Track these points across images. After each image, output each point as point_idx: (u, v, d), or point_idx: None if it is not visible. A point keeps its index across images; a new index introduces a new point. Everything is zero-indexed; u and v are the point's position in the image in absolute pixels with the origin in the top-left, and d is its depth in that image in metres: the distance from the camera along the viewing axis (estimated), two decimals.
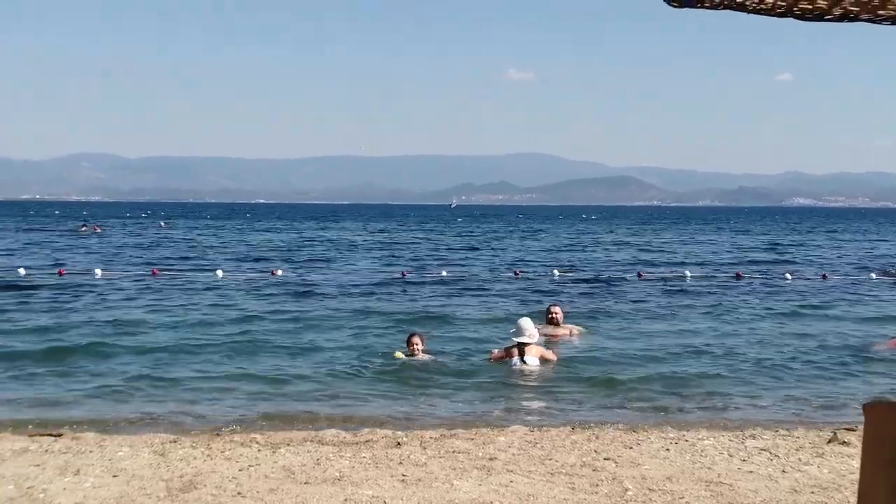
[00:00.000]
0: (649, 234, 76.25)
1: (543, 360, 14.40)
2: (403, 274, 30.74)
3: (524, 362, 14.17)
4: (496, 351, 14.94)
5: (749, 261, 41.26)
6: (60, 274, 29.43)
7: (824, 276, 30.73)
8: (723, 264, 38.42)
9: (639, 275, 30.59)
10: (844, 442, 9.29)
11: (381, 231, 77.68)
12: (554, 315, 17.23)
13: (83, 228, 69.38)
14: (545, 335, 16.36)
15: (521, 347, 14.33)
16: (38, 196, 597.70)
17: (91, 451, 8.62)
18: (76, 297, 23.53)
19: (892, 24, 3.23)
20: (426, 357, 14.69)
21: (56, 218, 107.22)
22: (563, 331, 17.07)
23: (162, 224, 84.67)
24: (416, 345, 14.75)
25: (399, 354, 14.74)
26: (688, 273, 30.61)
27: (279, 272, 30.27)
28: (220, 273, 29.73)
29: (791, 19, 3.23)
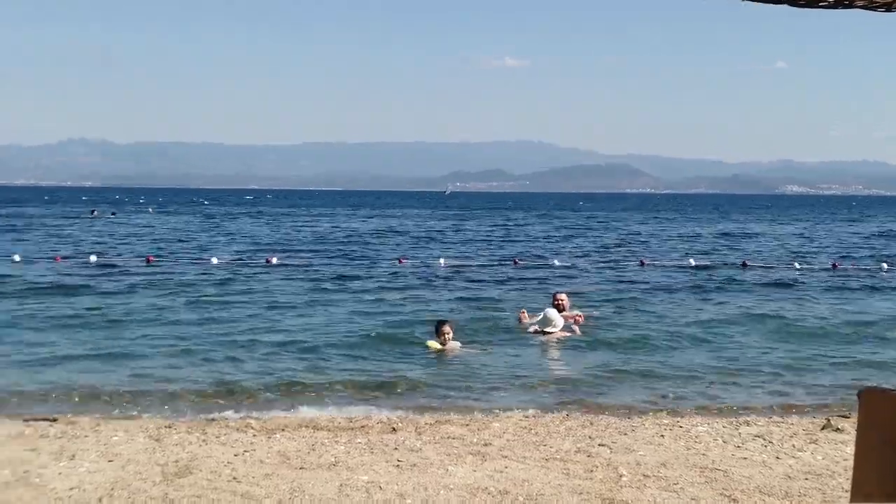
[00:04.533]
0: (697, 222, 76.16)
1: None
2: (400, 260, 30.77)
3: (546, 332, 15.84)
4: (526, 315, 16.83)
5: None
6: (56, 260, 29.39)
7: (834, 265, 30.69)
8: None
9: (641, 263, 30.58)
10: (838, 429, 9.33)
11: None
12: (560, 302, 17.39)
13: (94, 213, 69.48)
14: (534, 321, 16.76)
15: (544, 332, 15.85)
16: (31, 181, 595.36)
17: (86, 436, 8.62)
18: (72, 282, 23.56)
19: (887, 10, 3.23)
20: (457, 345, 14.63)
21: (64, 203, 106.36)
22: (568, 317, 17.18)
23: (150, 210, 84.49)
24: (447, 333, 14.62)
25: (432, 344, 14.59)
26: (692, 261, 30.56)
27: (274, 260, 30.18)
28: (214, 260, 29.75)
29: (786, 6, 3.22)
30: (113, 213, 70.80)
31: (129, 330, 16.29)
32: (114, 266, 28.18)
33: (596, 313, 17.89)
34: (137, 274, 25.99)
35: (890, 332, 16.97)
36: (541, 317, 16.19)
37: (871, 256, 36.36)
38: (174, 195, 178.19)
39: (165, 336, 15.71)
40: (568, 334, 15.92)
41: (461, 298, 21.38)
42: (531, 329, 16.22)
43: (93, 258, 29.71)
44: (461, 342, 14.85)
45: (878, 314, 19.45)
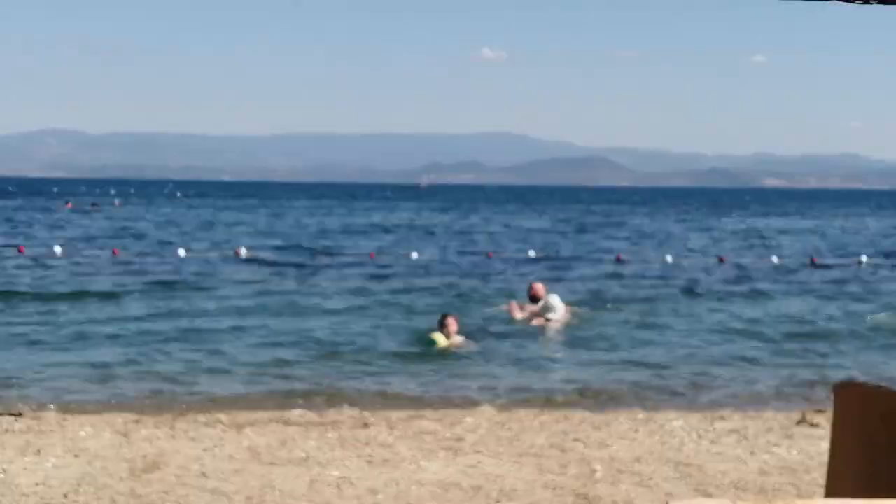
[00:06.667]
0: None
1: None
2: (371, 255, 30.72)
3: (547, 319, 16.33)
4: (516, 307, 16.90)
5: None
6: (20, 251, 29.10)
7: (812, 260, 30.55)
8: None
9: (618, 258, 30.48)
10: (813, 424, 9.30)
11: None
12: (536, 292, 17.43)
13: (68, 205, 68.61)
14: (529, 312, 16.99)
15: (547, 320, 16.36)
16: None
17: (52, 431, 8.50)
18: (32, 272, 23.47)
19: (864, 2, 3.18)
20: (461, 339, 14.37)
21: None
22: None
23: (115, 203, 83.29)
24: (451, 326, 14.27)
25: (437, 338, 14.17)
26: (668, 258, 30.37)
27: (243, 251, 29.92)
28: (182, 252, 29.40)
29: None
30: (93, 205, 69.68)
31: (94, 324, 16.13)
32: (81, 258, 27.94)
33: (579, 310, 17.91)
34: (105, 266, 25.78)
35: (866, 327, 17.03)
36: (541, 303, 16.66)
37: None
38: (143, 186, 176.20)
39: (133, 330, 15.57)
40: (567, 319, 16.54)
41: (440, 291, 21.29)
42: (530, 315, 16.61)
43: (57, 250, 29.38)
44: (464, 336, 14.59)
45: (854, 309, 19.50)
